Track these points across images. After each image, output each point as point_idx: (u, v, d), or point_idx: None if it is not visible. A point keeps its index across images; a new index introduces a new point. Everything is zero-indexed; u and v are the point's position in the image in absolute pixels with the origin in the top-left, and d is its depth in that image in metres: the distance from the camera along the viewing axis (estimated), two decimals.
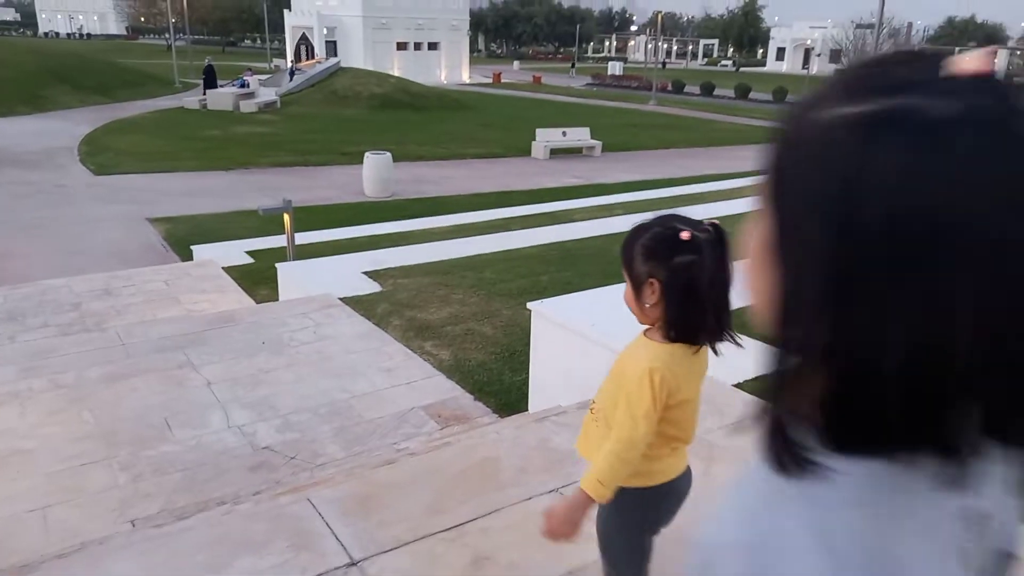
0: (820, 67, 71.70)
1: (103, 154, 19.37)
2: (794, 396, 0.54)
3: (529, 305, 3.98)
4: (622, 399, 1.62)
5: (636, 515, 1.78)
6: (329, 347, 5.33)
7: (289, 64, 41.19)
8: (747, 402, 2.95)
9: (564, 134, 23.47)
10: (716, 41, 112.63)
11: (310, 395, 4.62)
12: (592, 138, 23.87)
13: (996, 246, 0.46)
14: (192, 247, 10.51)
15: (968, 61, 0.49)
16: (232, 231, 12.24)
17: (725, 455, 2.53)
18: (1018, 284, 0.46)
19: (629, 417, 1.59)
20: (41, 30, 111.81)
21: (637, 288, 1.58)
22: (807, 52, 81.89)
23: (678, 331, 1.57)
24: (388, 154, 16.39)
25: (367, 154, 16.21)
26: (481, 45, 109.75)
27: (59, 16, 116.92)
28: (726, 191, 14.66)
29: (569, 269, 7.13)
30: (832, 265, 0.50)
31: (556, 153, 22.91)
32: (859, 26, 54.63)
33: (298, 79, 34.10)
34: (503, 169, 20.34)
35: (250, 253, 10.07)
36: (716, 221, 1.52)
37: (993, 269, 0.46)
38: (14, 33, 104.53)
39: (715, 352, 1.60)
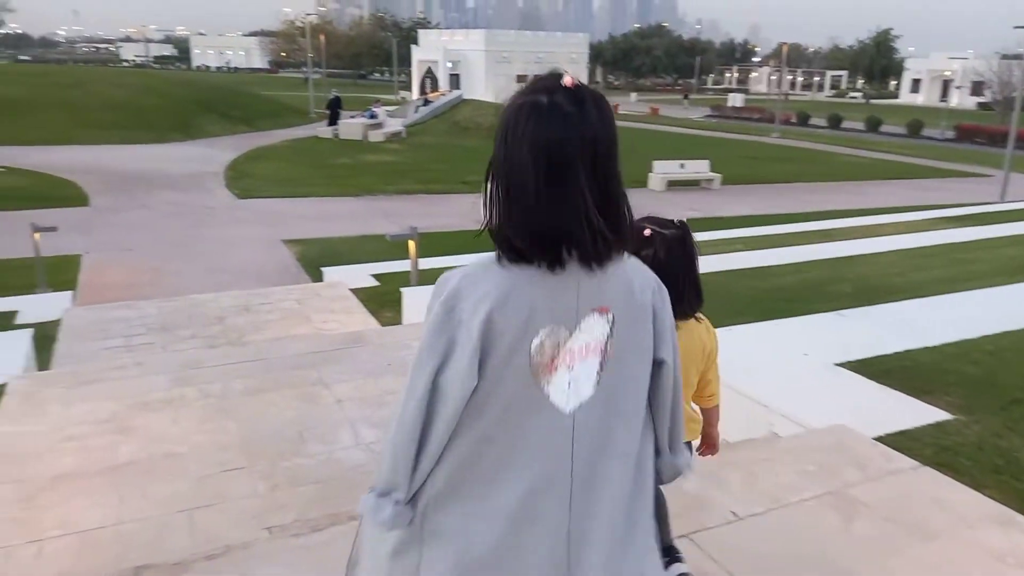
0: (961, 99, 67.53)
1: (245, 179, 20.82)
2: (496, 239, 1.36)
3: None
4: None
5: None
6: None
7: (418, 96, 42.93)
8: (888, 456, 2.81)
9: (682, 166, 23.19)
10: (845, 72, 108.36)
11: None
12: (711, 170, 23.44)
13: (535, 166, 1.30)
14: (322, 269, 11.10)
15: (567, 78, 1.28)
16: (359, 254, 12.84)
17: (866, 511, 2.41)
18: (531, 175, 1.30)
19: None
20: (194, 64, 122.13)
21: None
22: (946, 84, 77.40)
23: None
24: None
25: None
26: (599, 77, 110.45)
27: (210, 52, 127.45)
28: (853, 228, 14.02)
29: None
30: (503, 176, 1.33)
31: (674, 185, 22.65)
32: (1004, 56, 51.10)
33: (423, 111, 35.51)
34: None
35: (376, 276, 10.52)
36: (684, 219, 2.05)
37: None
38: (171, 67, 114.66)
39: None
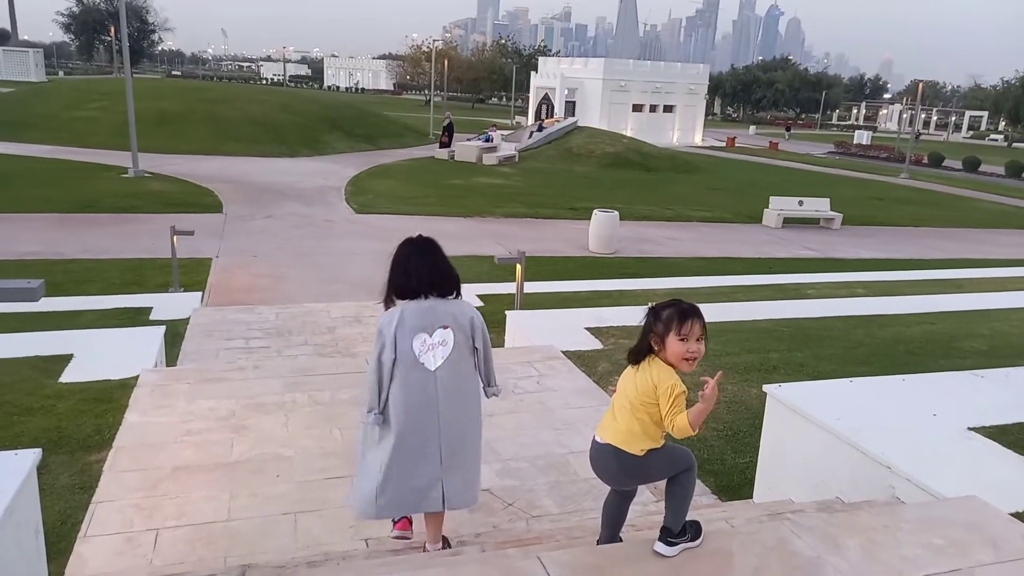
0: None
1: (364, 195, 21.68)
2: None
3: (765, 388, 3.80)
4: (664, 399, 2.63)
5: None
6: (550, 399, 5.48)
7: (534, 121, 43.53)
8: None
9: (800, 203, 22.34)
10: (985, 113, 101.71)
11: (529, 444, 4.76)
12: (831, 209, 22.46)
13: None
14: None
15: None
16: (467, 274, 12.87)
17: None
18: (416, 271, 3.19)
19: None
20: (325, 84, 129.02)
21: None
22: None
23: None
24: (615, 212, 16.66)
25: (595, 211, 16.58)
26: (717, 108, 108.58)
27: (341, 72, 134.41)
28: (987, 280, 13.04)
29: (803, 349, 6.72)
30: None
31: (790, 223, 21.84)
32: None
33: (536, 136, 35.95)
34: (731, 235, 19.76)
35: (481, 296, 10.66)
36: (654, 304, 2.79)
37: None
38: (305, 86, 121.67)
39: None
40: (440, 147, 32.56)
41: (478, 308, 9.93)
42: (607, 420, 2.74)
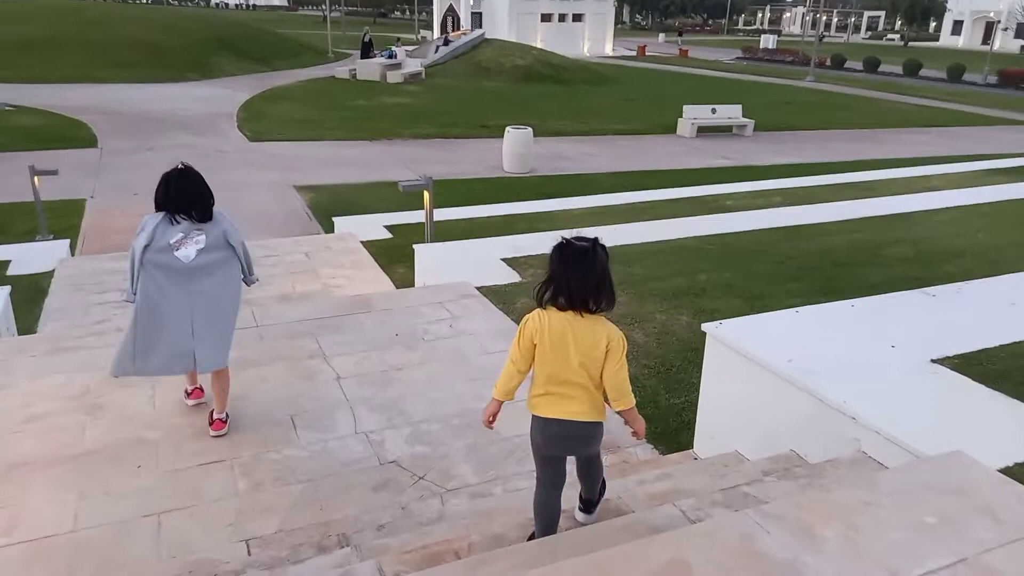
0: (1005, 42, 64.44)
1: (258, 121, 20.09)
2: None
3: (704, 327, 3.31)
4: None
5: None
6: (465, 344, 4.90)
7: (439, 36, 41.54)
8: None
9: (713, 111, 22.06)
10: (882, 13, 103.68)
11: (443, 401, 4.20)
12: (743, 116, 22.30)
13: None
14: (334, 218, 10.48)
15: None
16: (372, 203, 12.19)
17: None
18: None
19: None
20: (212, 1, 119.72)
21: None
22: (989, 25, 73.77)
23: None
24: (529, 129, 15.89)
25: (507, 129, 15.78)
26: (626, 17, 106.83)
27: None
28: (898, 181, 13.11)
29: (731, 268, 6.34)
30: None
31: (704, 132, 21.58)
32: None
33: (443, 51, 34.24)
34: (647, 147, 19.35)
35: (389, 228, 9.90)
36: (598, 238, 2.29)
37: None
38: (189, 4, 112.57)
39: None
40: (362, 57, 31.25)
41: (385, 240, 9.13)
42: (572, 391, 2.32)
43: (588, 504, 2.67)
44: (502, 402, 2.52)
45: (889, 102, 31.63)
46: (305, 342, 4.88)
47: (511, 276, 6.19)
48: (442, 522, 2.98)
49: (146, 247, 3.54)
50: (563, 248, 2.28)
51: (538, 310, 2.35)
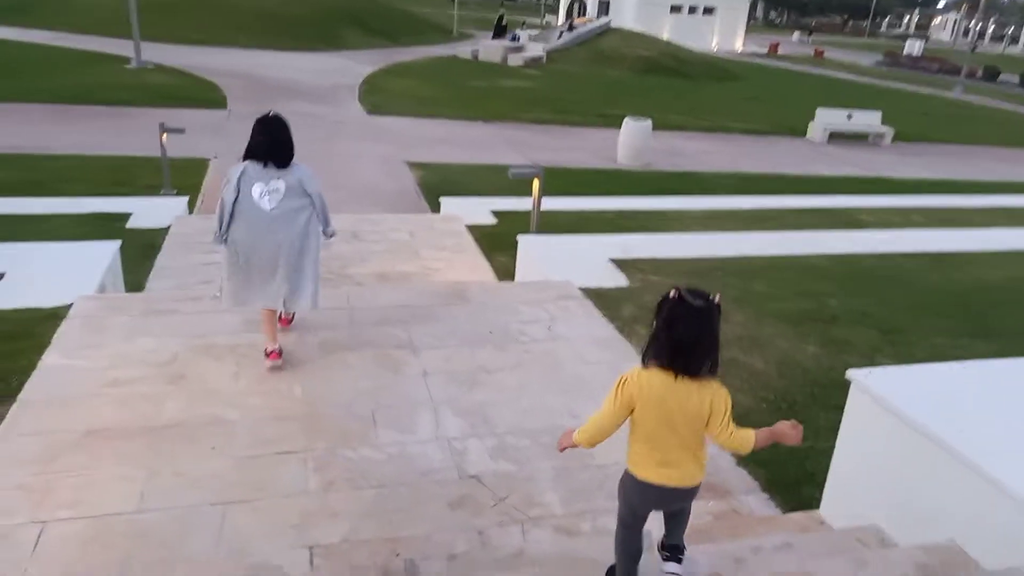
0: None
1: (378, 95, 20.32)
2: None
3: (850, 374, 2.79)
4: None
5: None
6: (561, 350, 4.54)
7: (564, 21, 41.06)
8: None
9: (849, 116, 20.60)
10: None
11: (532, 412, 3.85)
12: (882, 124, 20.74)
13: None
14: (441, 199, 10.31)
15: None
16: (481, 185, 11.97)
17: None
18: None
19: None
20: None
21: None
22: None
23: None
24: (648, 122, 15.25)
25: (626, 119, 15.19)
26: (760, 13, 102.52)
27: None
28: None
29: (865, 294, 5.67)
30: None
31: (836, 138, 20.21)
32: None
33: (566, 37, 33.73)
34: (772, 149, 18.29)
35: (495, 213, 9.62)
36: (718, 297, 2.09)
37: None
38: None
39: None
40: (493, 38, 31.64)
41: (490, 225, 8.82)
42: (675, 458, 2.14)
43: (676, 551, 2.40)
44: (577, 445, 2.29)
45: None
46: (395, 330, 4.65)
47: (618, 279, 5.76)
48: (521, 560, 2.63)
49: (235, 200, 3.93)
50: (675, 306, 2.05)
51: (638, 368, 2.14)
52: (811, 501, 3.24)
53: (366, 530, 2.94)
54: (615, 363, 4.40)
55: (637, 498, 2.24)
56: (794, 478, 3.40)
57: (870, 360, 4.56)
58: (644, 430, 2.13)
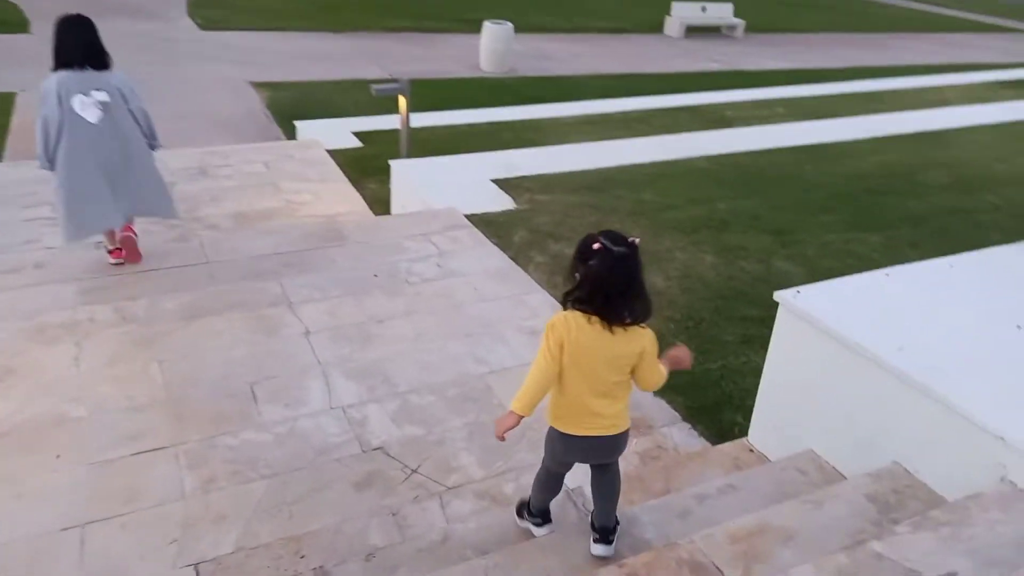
0: None
1: (213, 7, 18.30)
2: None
3: (778, 295, 2.59)
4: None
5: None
6: (457, 288, 4.17)
7: None
8: None
9: (704, 9, 20.71)
10: None
11: (435, 364, 3.50)
12: (734, 15, 21.04)
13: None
14: (296, 123, 9.43)
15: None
16: (339, 104, 11.08)
17: None
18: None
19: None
20: None
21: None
22: None
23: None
24: (508, 25, 14.59)
25: (485, 23, 14.47)
26: None
27: None
28: (906, 93, 12.30)
29: (751, 195, 5.62)
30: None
31: (692, 32, 20.33)
32: None
33: None
34: (633, 48, 18.13)
35: (358, 135, 8.92)
36: (635, 240, 1.98)
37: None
38: None
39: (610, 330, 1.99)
40: None
41: (355, 149, 8.15)
42: (600, 406, 2.05)
43: (606, 532, 2.25)
44: (522, 417, 2.03)
45: (877, 4, 30.33)
46: (266, 284, 4.10)
47: (504, 201, 5.40)
48: (448, 546, 2.34)
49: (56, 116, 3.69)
50: (597, 254, 1.93)
51: (564, 313, 2.02)
52: (734, 427, 3.14)
53: (263, 531, 2.54)
54: (517, 297, 4.10)
55: (565, 453, 2.17)
56: (713, 402, 3.27)
57: (766, 265, 4.51)
58: (569, 378, 2.02)
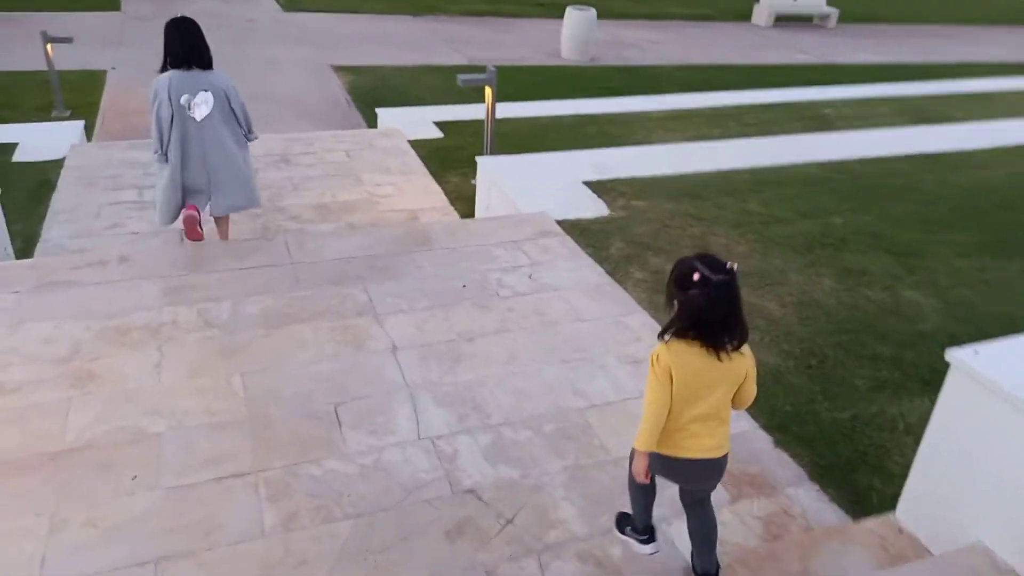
0: None
1: None
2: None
3: (952, 356, 2.20)
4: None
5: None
6: (551, 305, 3.88)
7: None
8: None
9: None
10: None
11: (529, 393, 3.22)
12: (827, 3, 20.01)
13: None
14: (377, 110, 9.26)
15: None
16: (418, 91, 10.89)
17: None
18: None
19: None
20: None
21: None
22: None
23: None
24: (592, 11, 14.13)
25: (569, 9, 14.05)
26: None
27: None
28: (1013, 93, 11.38)
29: (869, 209, 5.14)
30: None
31: (781, 20, 19.42)
32: None
33: None
34: (718, 37, 17.42)
35: (439, 125, 8.69)
36: (734, 266, 1.92)
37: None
38: None
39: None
40: None
41: (436, 140, 7.94)
42: (708, 428, 2.04)
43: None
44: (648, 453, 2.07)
45: None
46: (352, 290, 3.89)
47: (598, 207, 5.07)
48: None
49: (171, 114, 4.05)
50: (697, 284, 1.89)
51: (664, 343, 2.01)
52: (871, 493, 2.75)
53: None
54: (616, 318, 3.78)
55: (664, 472, 2.14)
56: (845, 460, 2.90)
57: (892, 294, 4.07)
58: (678, 405, 2.00)
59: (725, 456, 2.08)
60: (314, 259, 4.18)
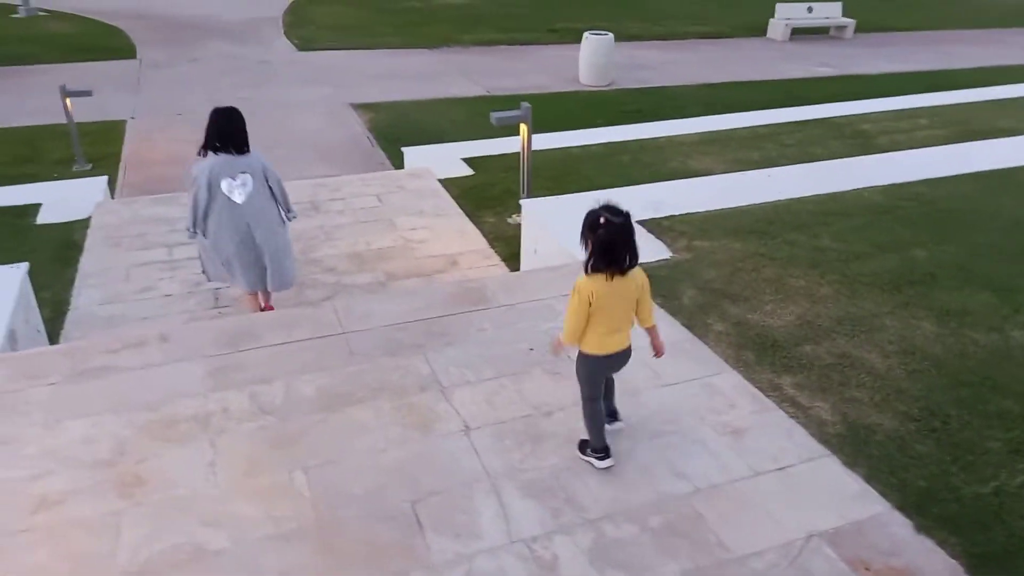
0: None
1: (305, 27, 18.37)
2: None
3: None
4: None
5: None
6: (628, 367, 3.53)
7: None
8: None
9: (810, 9, 19.52)
10: None
11: (624, 478, 2.88)
12: (843, 15, 19.78)
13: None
14: (403, 149, 9.02)
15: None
16: (441, 124, 10.68)
17: None
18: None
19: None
20: None
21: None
22: None
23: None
24: (610, 36, 13.92)
25: (586, 35, 13.85)
26: None
27: None
28: None
29: (950, 240, 4.78)
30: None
31: (797, 34, 19.18)
32: None
33: None
34: (736, 53, 17.18)
35: (468, 161, 8.43)
36: (628, 211, 2.72)
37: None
38: None
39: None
40: None
41: (467, 178, 7.66)
42: (614, 331, 2.84)
43: (615, 414, 3.14)
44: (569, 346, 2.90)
45: None
46: (412, 361, 3.57)
47: (658, 249, 4.74)
48: None
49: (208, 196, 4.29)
50: (604, 225, 2.66)
51: (583, 277, 2.74)
52: None
53: None
54: (704, 380, 3.43)
55: (596, 371, 2.89)
56: (1002, 546, 2.53)
57: (1002, 336, 3.71)
58: (596, 319, 2.75)
59: (628, 349, 2.88)
60: (365, 326, 3.87)
